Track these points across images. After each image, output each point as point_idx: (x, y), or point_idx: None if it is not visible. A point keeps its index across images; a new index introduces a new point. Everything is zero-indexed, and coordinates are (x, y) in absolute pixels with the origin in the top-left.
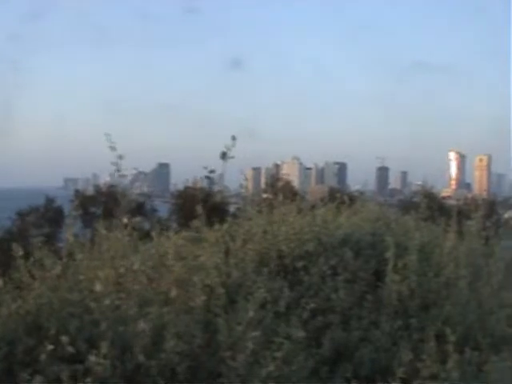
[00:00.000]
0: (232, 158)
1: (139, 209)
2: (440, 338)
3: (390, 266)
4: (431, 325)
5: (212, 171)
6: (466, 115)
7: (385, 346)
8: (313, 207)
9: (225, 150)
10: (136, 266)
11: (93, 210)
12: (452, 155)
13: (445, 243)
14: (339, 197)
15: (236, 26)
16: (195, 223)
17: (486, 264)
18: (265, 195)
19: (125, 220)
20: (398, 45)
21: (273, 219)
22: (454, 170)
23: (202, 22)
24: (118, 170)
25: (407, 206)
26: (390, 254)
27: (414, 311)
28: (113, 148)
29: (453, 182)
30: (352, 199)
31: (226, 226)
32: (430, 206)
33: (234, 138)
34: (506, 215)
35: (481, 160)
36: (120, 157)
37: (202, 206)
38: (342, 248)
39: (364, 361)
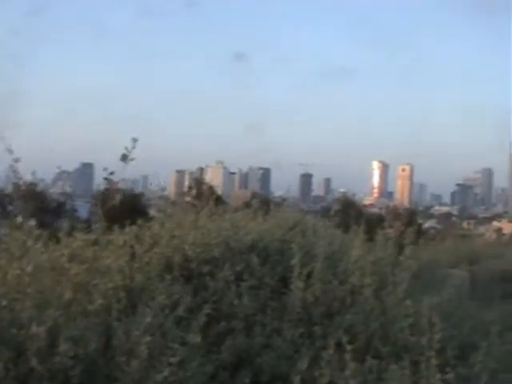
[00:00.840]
0: (132, 160)
1: (59, 208)
2: (342, 345)
3: (295, 273)
4: (334, 332)
5: (112, 173)
6: (389, 124)
7: (286, 353)
8: (224, 212)
9: (125, 152)
10: (29, 269)
11: (10, 208)
12: (375, 164)
13: (352, 251)
14: (258, 202)
15: None
16: (99, 225)
17: (392, 273)
18: (187, 198)
19: (31, 220)
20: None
21: (183, 223)
22: (376, 179)
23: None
24: (15, 172)
25: (328, 213)
26: (295, 261)
27: (318, 319)
28: (10, 151)
29: (375, 191)
30: (268, 204)
31: (134, 228)
32: (348, 214)
33: (134, 140)
34: (427, 224)
35: (403, 170)
36: (16, 160)
37: (120, 207)
38: (250, 254)
39: (264, 367)
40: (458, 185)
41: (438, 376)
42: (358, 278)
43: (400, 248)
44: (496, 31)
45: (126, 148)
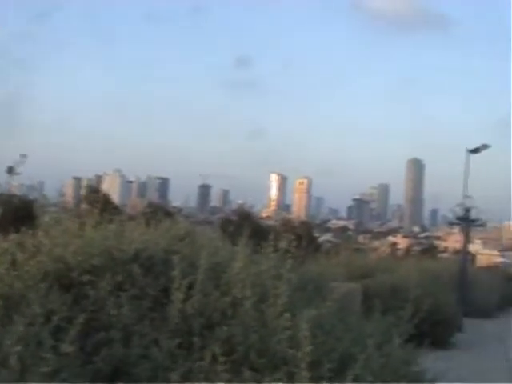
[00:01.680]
0: (18, 174)
1: None
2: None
3: (175, 284)
4: (212, 344)
5: None
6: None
7: (163, 364)
8: (112, 220)
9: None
10: None
11: None
12: (273, 177)
13: (235, 263)
14: (151, 211)
15: None
16: None
17: (273, 286)
18: (82, 206)
19: None
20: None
21: (67, 231)
22: (274, 192)
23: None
24: None
25: (224, 225)
26: (176, 272)
27: (198, 330)
28: None
29: (273, 203)
30: (162, 213)
31: (17, 236)
32: (242, 225)
33: (23, 156)
34: (323, 238)
35: (301, 183)
36: None
37: (11, 214)
38: (132, 263)
39: (141, 378)
40: (354, 199)
41: None
42: (240, 289)
43: (287, 261)
44: None
45: (14, 162)
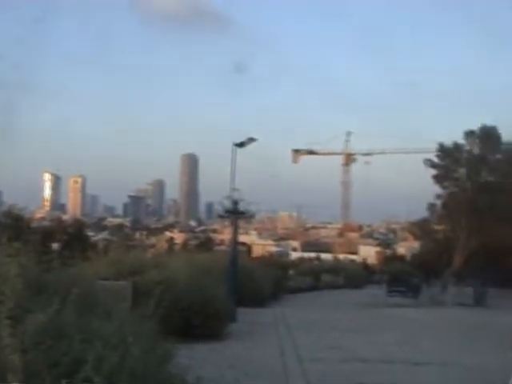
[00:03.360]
0: None
1: None
2: None
3: None
4: None
5: None
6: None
7: None
8: None
9: None
10: None
11: None
12: (46, 176)
13: None
14: None
15: None
16: None
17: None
18: None
19: None
20: None
21: None
22: (47, 191)
23: None
24: None
25: None
26: None
27: None
28: None
29: (47, 203)
30: None
31: None
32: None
33: None
34: (100, 236)
35: (75, 182)
36: None
37: None
38: None
39: None
40: (130, 196)
41: None
42: None
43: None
44: None
45: None
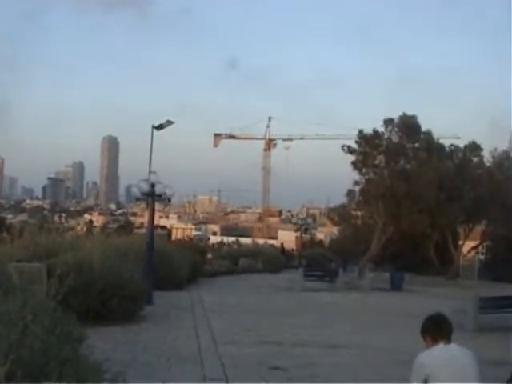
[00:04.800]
0: None
1: None
2: None
3: None
4: None
5: None
6: None
7: None
8: None
9: None
10: None
11: None
12: None
13: None
14: None
15: None
16: None
17: None
18: None
19: None
20: None
21: None
22: None
23: None
24: None
25: None
26: None
27: None
28: None
29: None
30: None
31: None
32: None
33: None
34: (18, 219)
35: None
36: None
37: None
38: None
39: None
40: (49, 178)
41: None
42: None
43: None
44: None
45: None
